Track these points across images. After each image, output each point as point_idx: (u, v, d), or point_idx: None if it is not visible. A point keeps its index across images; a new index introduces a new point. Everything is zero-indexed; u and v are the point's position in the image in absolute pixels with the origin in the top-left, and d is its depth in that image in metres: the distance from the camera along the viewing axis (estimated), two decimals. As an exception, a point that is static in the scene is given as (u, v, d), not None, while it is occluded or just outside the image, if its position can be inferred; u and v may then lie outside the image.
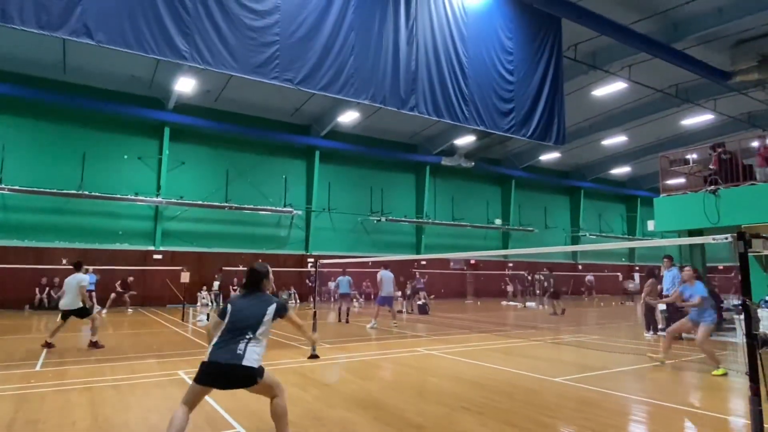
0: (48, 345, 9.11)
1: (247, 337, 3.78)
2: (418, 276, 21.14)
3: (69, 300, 9.19)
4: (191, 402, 3.72)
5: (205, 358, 3.76)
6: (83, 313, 9.31)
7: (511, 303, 25.17)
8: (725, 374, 7.35)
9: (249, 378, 3.70)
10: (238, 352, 3.69)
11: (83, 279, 9.30)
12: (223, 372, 3.66)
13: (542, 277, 21.30)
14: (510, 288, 29.69)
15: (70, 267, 9.72)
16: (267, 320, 3.89)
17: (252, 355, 3.72)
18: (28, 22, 7.42)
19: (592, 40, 17.38)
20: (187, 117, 21.32)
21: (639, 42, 15.82)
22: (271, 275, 4.23)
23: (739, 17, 15.76)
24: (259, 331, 3.84)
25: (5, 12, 7.24)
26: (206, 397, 5.69)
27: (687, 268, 8.42)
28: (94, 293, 18.35)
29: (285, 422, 3.87)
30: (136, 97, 20.63)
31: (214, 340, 3.84)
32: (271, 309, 3.93)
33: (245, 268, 4.40)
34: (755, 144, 12.83)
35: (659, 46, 16.38)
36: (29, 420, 4.87)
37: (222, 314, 3.94)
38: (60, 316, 9.35)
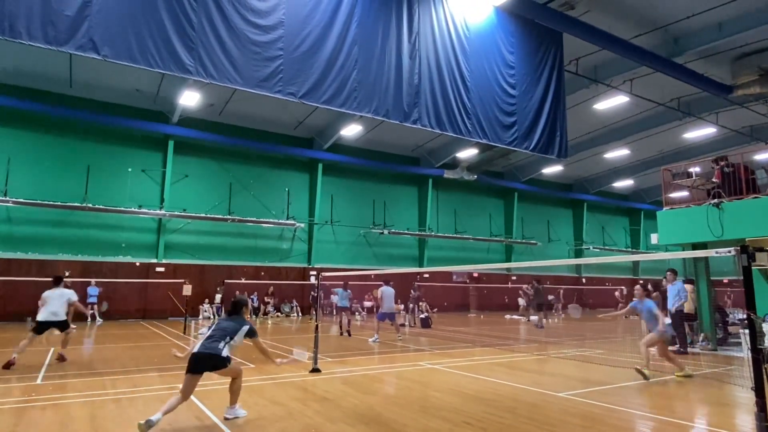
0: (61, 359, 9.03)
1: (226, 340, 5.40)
2: (417, 291, 21.05)
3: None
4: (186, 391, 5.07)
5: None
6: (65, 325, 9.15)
7: (515, 317, 24.97)
8: None
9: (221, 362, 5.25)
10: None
11: (71, 294, 9.28)
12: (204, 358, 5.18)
13: (530, 290, 21.36)
14: (523, 301, 28.41)
15: (57, 280, 9.36)
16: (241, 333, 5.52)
17: (227, 350, 5.33)
18: (35, 38, 7.53)
19: (593, 55, 17.51)
20: (191, 130, 21.47)
21: (640, 56, 15.91)
22: (249, 305, 4.80)
23: (739, 32, 15.88)
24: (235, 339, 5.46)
25: (13, 27, 7.35)
26: (207, 412, 5.69)
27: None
28: (96, 305, 18.42)
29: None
30: (140, 111, 20.82)
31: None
32: (245, 328, 5.58)
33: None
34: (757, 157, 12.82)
35: (660, 60, 16.47)
36: (29, 434, 4.84)
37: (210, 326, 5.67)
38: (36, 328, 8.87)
